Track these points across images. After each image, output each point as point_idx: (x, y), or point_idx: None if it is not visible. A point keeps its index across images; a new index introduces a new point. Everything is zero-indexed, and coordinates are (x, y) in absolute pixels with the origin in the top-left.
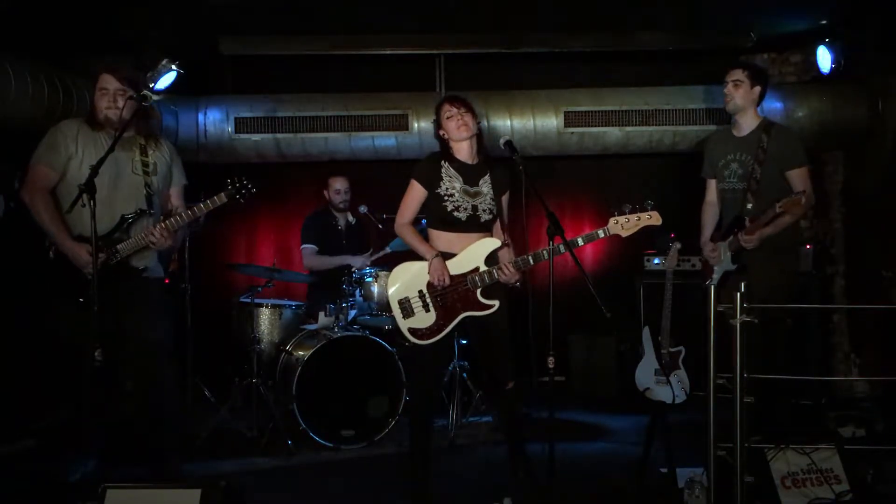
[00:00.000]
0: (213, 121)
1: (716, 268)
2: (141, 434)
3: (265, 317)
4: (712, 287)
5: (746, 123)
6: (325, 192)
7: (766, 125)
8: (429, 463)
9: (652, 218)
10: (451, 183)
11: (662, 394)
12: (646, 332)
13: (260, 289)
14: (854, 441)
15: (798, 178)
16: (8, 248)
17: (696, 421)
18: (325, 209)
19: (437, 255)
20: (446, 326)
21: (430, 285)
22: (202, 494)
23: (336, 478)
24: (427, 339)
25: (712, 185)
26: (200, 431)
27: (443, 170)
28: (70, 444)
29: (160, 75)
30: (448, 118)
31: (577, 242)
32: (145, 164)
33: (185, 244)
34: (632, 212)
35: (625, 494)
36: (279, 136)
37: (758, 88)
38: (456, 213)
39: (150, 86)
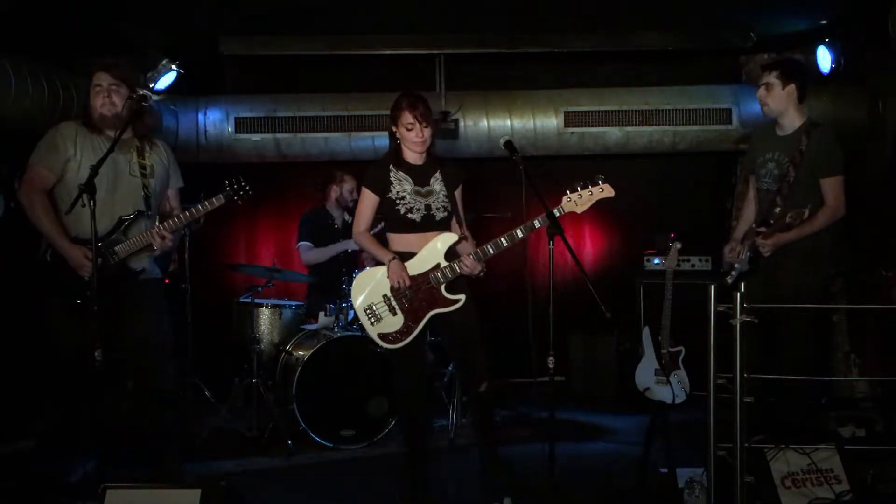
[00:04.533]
0: (213, 121)
1: (736, 265)
2: (141, 434)
3: (265, 317)
4: (729, 284)
5: (789, 122)
6: (336, 189)
7: (808, 126)
8: (427, 463)
9: (604, 191)
10: (402, 185)
11: (662, 394)
12: (646, 332)
13: (260, 289)
14: (854, 441)
15: (829, 186)
16: (8, 248)
17: (696, 421)
18: (322, 208)
19: (394, 258)
20: (415, 327)
21: (393, 288)
22: (202, 494)
23: (336, 478)
24: (398, 342)
25: (752, 180)
26: (200, 431)
27: (391, 174)
28: (70, 444)
29: (160, 75)
30: (409, 130)
31: (534, 225)
32: (142, 167)
33: (185, 244)
34: (583, 187)
35: (625, 494)
36: (279, 136)
37: (792, 86)
38: (410, 216)
39: (150, 86)
